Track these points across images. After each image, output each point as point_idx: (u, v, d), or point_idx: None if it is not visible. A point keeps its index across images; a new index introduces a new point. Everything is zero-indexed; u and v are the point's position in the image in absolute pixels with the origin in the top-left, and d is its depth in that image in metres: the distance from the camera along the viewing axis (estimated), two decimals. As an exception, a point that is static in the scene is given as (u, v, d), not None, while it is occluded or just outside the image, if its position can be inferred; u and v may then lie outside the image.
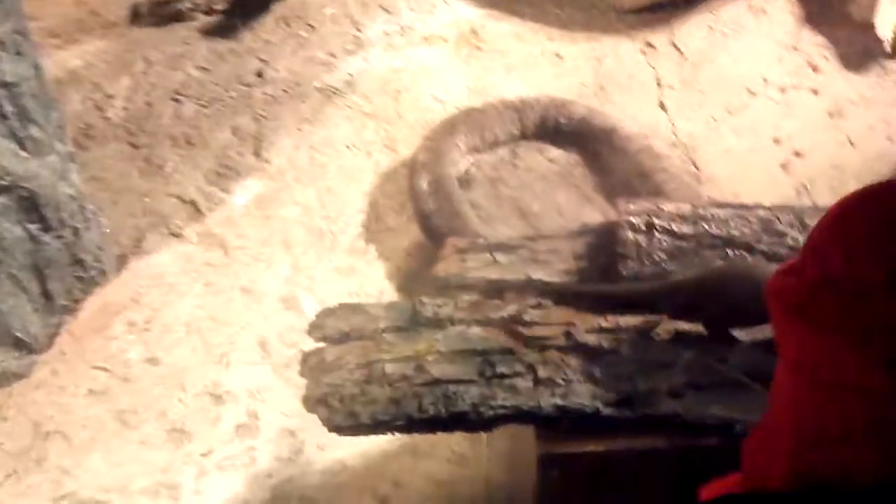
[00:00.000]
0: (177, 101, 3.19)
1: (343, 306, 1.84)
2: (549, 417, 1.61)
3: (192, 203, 2.89)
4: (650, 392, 1.61)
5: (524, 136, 2.88)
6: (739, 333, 1.66)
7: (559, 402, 1.61)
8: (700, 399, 1.61)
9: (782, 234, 1.76)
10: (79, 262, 2.55)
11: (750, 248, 1.74)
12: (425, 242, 2.64)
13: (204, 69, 3.30)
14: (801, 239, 1.76)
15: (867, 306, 1.14)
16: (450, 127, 2.83)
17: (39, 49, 2.48)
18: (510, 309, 1.75)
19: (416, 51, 3.32)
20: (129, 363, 2.49)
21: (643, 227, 1.77)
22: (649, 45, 3.28)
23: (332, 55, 3.32)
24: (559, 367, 1.65)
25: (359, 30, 3.40)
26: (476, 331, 1.73)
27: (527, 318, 1.74)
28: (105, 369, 2.48)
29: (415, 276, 2.63)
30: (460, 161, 2.77)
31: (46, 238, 2.44)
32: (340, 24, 3.42)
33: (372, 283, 2.66)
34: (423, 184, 2.64)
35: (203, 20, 3.50)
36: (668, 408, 1.60)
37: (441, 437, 2.12)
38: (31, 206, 2.38)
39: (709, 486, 1.48)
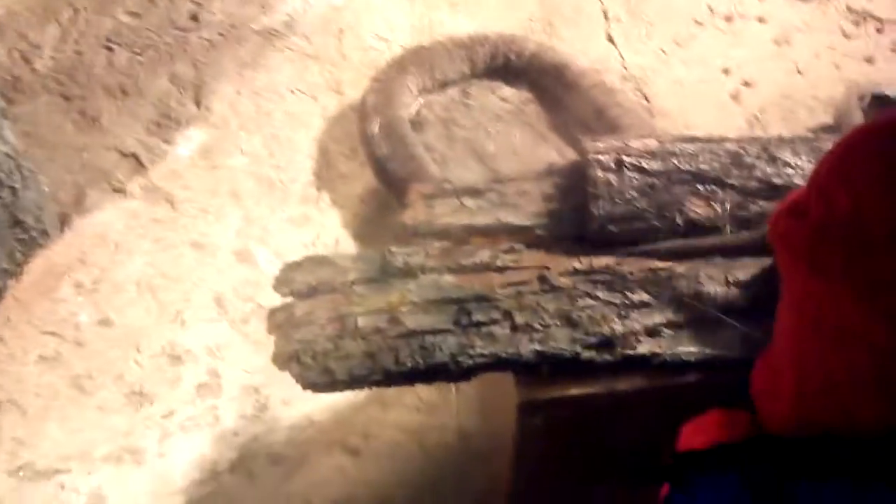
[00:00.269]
0: (109, 48, 3.04)
1: (308, 259, 1.78)
2: (529, 364, 1.59)
3: (134, 156, 2.77)
4: (628, 333, 1.60)
5: (474, 74, 2.80)
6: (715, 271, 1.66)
7: (538, 347, 1.59)
8: (678, 337, 1.60)
9: (751, 167, 1.74)
10: (19, 224, 2.42)
11: (721, 183, 1.72)
12: (380, 188, 2.57)
13: (135, 14, 3.14)
14: (770, 171, 1.75)
15: (873, 260, 1.14)
16: (399, 67, 2.73)
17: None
18: (482, 255, 1.71)
19: (356, -12, 3.21)
20: (79, 326, 2.40)
21: (613, 166, 1.74)
22: (595, -24, 3.22)
23: (270, -6, 3.20)
24: (536, 311, 1.63)
25: (295, -33, 3.27)
26: (449, 279, 1.69)
27: (499, 263, 1.71)
28: (55, 334, 2.38)
29: (373, 223, 2.57)
30: (411, 103, 2.69)
31: (-18, 200, 2.32)
32: (276, -38, 3.28)
33: (327, 233, 2.59)
34: (375, 128, 2.55)
35: (130, -38, 3.32)
36: (647, 348, 1.60)
37: (408, 387, 2.09)
38: (-37, 168, 2.25)
39: (689, 424, 1.48)
